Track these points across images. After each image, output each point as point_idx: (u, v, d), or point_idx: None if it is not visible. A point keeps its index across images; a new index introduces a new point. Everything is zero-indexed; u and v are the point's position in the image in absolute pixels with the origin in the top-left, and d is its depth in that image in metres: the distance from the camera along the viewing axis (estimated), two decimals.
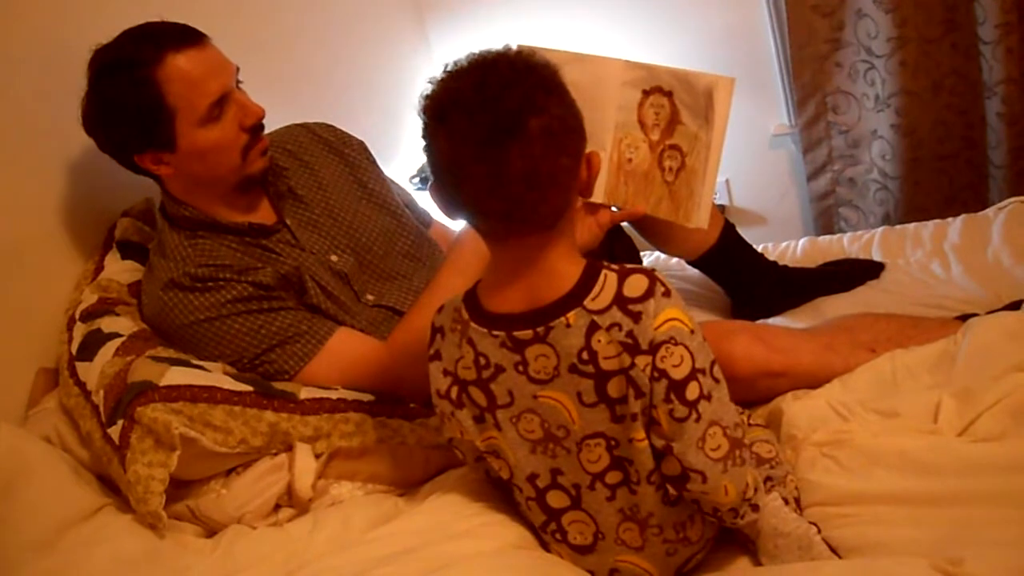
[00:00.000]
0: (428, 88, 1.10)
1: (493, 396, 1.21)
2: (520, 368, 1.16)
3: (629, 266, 1.14)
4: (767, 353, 1.55)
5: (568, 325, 1.12)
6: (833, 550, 1.22)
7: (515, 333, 1.15)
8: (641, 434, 1.15)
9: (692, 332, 1.12)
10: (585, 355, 1.12)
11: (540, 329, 1.13)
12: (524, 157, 1.04)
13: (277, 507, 1.43)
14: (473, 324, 1.19)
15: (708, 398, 1.12)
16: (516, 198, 1.07)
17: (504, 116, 1.04)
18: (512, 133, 1.04)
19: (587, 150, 1.14)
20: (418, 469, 1.50)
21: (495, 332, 1.17)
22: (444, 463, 1.51)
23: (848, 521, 1.27)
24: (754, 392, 1.56)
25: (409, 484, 1.50)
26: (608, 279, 1.12)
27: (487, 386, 1.20)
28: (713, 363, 1.15)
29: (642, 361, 1.10)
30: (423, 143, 1.11)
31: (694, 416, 1.12)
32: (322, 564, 1.25)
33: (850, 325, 1.76)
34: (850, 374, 1.55)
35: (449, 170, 1.10)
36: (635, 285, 1.10)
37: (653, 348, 1.10)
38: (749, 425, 1.47)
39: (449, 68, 1.10)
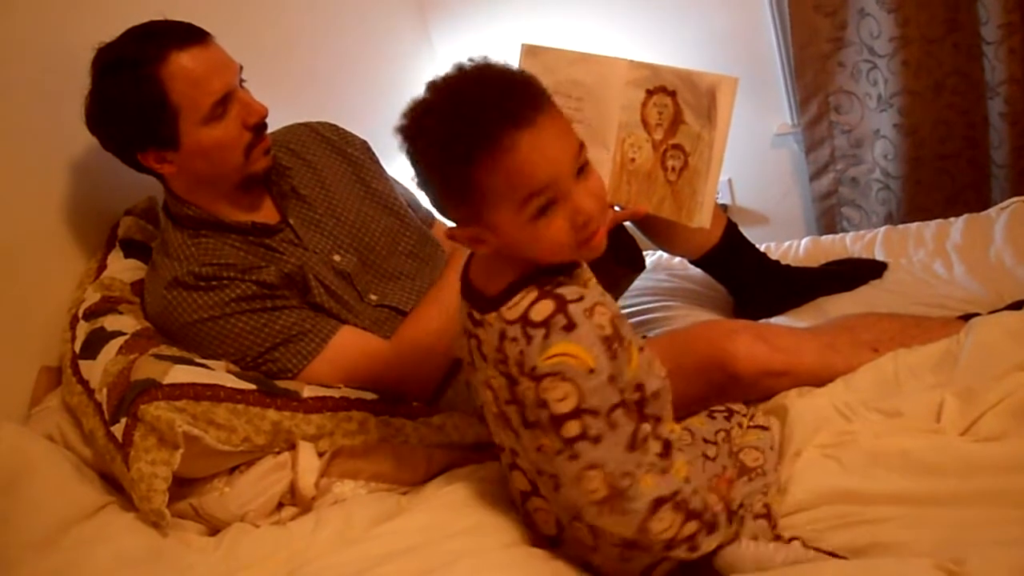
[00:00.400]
0: (415, 100, 1.14)
1: (472, 356, 1.23)
2: (475, 342, 1.20)
3: (556, 291, 1.11)
4: (769, 352, 1.55)
5: (489, 324, 1.15)
6: (833, 554, 1.22)
7: (472, 311, 1.19)
8: (545, 440, 1.14)
9: (591, 372, 1.08)
10: (500, 355, 1.14)
11: (481, 316, 1.16)
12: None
13: (280, 505, 1.43)
14: (461, 283, 1.23)
15: (594, 440, 1.09)
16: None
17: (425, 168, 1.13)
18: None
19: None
20: (420, 468, 1.50)
21: (464, 299, 1.21)
22: (446, 462, 1.52)
23: (850, 521, 1.27)
24: (756, 392, 1.56)
25: (411, 483, 1.49)
26: (526, 296, 1.12)
27: (469, 345, 1.23)
28: (615, 407, 1.11)
29: (524, 382, 1.11)
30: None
31: (568, 453, 1.10)
32: (324, 562, 1.25)
33: (852, 324, 1.76)
34: (853, 374, 1.55)
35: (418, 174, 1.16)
36: (539, 310, 1.10)
37: (536, 377, 1.09)
38: (750, 427, 1.46)
39: (442, 76, 1.11)
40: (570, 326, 1.08)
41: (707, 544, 1.17)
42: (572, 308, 1.09)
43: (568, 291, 1.11)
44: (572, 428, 1.09)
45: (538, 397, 1.09)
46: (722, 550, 1.20)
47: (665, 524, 1.13)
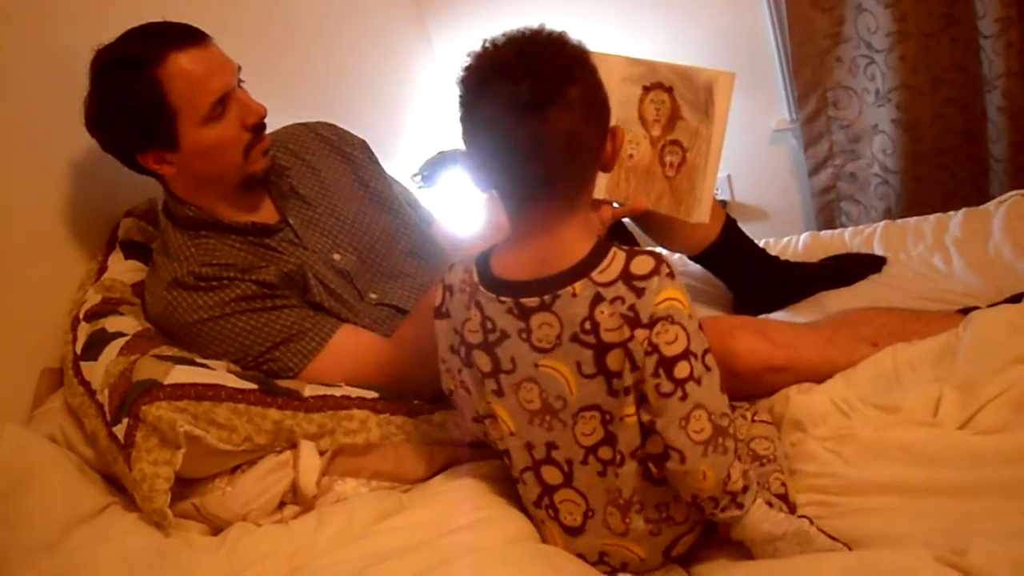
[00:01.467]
0: (467, 60, 1.14)
1: (498, 361, 1.24)
2: (524, 335, 1.19)
3: (639, 248, 1.18)
4: (769, 348, 1.56)
5: (574, 295, 1.15)
6: (834, 538, 1.23)
7: (522, 300, 1.18)
8: (631, 409, 1.19)
9: (690, 316, 1.15)
10: (587, 325, 1.15)
11: (547, 297, 1.16)
12: (564, 122, 1.09)
13: (282, 504, 1.43)
14: (482, 288, 1.22)
15: (697, 381, 1.15)
16: (554, 162, 1.12)
17: (546, 82, 1.09)
18: (554, 98, 1.09)
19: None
20: (422, 465, 1.50)
21: (503, 298, 1.20)
22: (448, 459, 1.52)
23: (850, 511, 1.28)
24: (756, 387, 1.57)
25: (413, 480, 1.50)
26: (617, 256, 1.16)
27: (493, 350, 1.23)
28: (706, 351, 1.18)
29: (641, 335, 1.14)
30: (460, 113, 1.15)
31: (679, 394, 1.15)
32: (327, 560, 1.26)
33: (852, 319, 1.76)
34: (852, 369, 1.55)
35: (490, 137, 1.13)
36: (642, 263, 1.14)
37: (651, 323, 1.13)
38: (753, 421, 1.47)
39: (487, 43, 1.14)
40: (672, 274, 1.15)
41: (747, 503, 1.23)
42: (668, 259, 1.15)
43: (650, 248, 1.18)
44: (682, 369, 1.14)
45: (649, 344, 1.14)
46: None
47: (739, 471, 1.21)
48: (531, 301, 1.17)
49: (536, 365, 1.20)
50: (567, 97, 1.09)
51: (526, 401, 1.24)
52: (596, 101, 1.15)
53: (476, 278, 1.24)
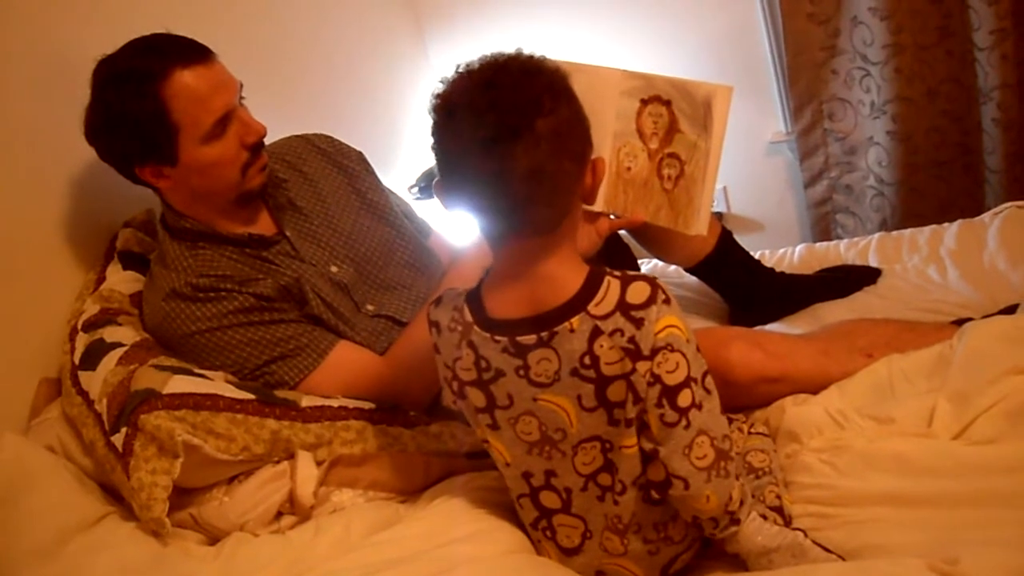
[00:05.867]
0: (439, 87, 1.12)
1: (493, 397, 1.22)
2: (521, 372, 1.18)
3: (631, 273, 1.15)
4: (764, 359, 1.56)
5: (572, 330, 1.13)
6: (828, 550, 1.24)
7: (518, 338, 1.16)
8: (632, 440, 1.18)
9: (688, 341, 1.14)
10: (587, 360, 1.13)
11: (544, 334, 1.15)
12: (529, 156, 1.06)
13: (279, 514, 1.43)
14: (476, 328, 1.20)
15: (699, 407, 1.15)
16: (520, 197, 1.09)
17: (511, 115, 1.05)
18: (519, 132, 1.05)
19: (592, 157, 1.16)
20: (418, 476, 1.51)
21: (497, 337, 1.18)
22: (444, 470, 1.52)
23: (845, 522, 1.28)
24: (752, 398, 1.57)
25: (410, 491, 1.50)
26: (611, 285, 1.14)
27: (487, 388, 1.22)
28: (705, 374, 1.17)
29: (643, 367, 1.12)
30: (431, 140, 1.13)
31: (683, 423, 1.14)
32: (323, 570, 1.26)
33: (847, 330, 1.77)
34: (847, 380, 1.55)
35: (456, 167, 1.11)
36: (638, 292, 1.12)
37: (652, 353, 1.12)
38: (750, 433, 1.47)
39: (461, 68, 1.12)
40: (668, 300, 1.13)
41: (743, 517, 1.23)
42: (662, 283, 1.14)
43: (637, 272, 1.16)
44: (685, 397, 1.14)
45: (651, 375, 1.12)
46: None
47: (739, 491, 1.21)
48: (528, 339, 1.16)
49: (535, 399, 1.19)
50: (533, 130, 1.05)
51: (524, 433, 1.23)
52: (569, 133, 1.11)
53: (469, 317, 1.21)
